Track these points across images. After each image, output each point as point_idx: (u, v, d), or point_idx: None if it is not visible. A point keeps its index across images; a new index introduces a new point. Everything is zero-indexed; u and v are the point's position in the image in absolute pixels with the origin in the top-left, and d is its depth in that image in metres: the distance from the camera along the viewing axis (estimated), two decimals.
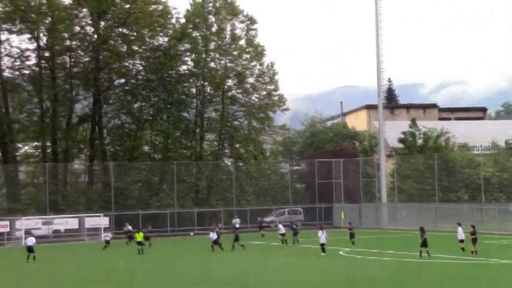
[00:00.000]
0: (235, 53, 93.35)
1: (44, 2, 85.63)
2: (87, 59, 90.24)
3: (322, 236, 50.51)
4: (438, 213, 79.37)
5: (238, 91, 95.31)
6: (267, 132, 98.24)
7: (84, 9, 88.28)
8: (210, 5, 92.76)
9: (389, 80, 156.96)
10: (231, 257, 51.54)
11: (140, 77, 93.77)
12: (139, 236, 55.79)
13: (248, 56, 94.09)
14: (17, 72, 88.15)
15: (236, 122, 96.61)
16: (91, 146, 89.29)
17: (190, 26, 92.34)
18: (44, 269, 47.12)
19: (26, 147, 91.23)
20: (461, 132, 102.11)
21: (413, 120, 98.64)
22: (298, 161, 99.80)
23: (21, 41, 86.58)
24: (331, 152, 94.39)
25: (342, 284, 35.61)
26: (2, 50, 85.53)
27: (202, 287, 36.59)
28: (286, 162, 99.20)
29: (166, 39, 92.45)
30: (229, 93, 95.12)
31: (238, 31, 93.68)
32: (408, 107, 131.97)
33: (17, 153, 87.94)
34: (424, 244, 46.15)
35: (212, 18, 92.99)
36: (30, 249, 50.90)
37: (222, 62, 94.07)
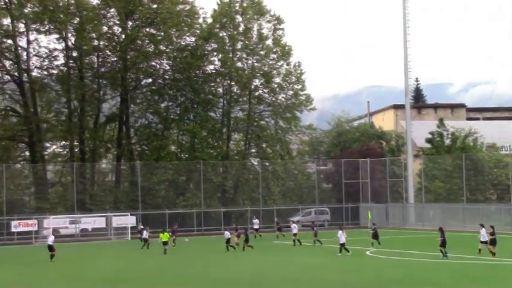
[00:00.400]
0: (262, 52, 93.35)
1: (72, 2, 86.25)
2: (115, 58, 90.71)
3: (341, 236, 50.52)
4: (466, 213, 78.76)
5: (265, 91, 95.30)
6: (294, 132, 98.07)
7: (112, 9, 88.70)
8: (237, 4, 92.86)
9: (417, 80, 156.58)
10: (254, 257, 51.48)
11: (167, 77, 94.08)
12: (165, 237, 55.77)
13: (275, 55, 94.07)
14: (45, 72, 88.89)
15: (263, 122, 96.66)
16: (118, 146, 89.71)
17: (217, 25, 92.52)
18: (69, 268, 47.36)
19: (54, 147, 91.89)
20: (489, 132, 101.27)
21: (441, 120, 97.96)
22: (325, 160, 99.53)
23: (49, 41, 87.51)
24: (358, 152, 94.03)
25: (367, 284, 35.48)
26: (31, 50, 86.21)
27: (228, 286, 36.60)
28: (312, 162, 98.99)
29: (193, 39, 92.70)
30: (256, 93, 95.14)
31: (265, 31, 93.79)
32: (436, 106, 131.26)
33: (45, 153, 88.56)
34: (443, 244, 45.89)
35: (239, 18, 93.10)
36: (50, 248, 51.07)
37: (249, 61, 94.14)
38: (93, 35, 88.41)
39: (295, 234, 61.20)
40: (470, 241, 50.66)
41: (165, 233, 56.48)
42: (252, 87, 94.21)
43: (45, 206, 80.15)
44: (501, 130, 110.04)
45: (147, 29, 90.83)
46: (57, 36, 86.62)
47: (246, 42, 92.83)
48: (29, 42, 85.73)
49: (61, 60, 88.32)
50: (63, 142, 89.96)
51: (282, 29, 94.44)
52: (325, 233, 67.46)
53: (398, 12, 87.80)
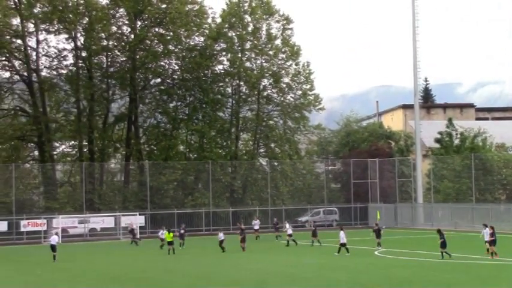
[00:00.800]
0: (271, 52, 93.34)
1: (82, 2, 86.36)
2: (124, 58, 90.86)
3: (343, 236, 50.58)
4: (475, 213, 78.62)
5: (274, 91, 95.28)
6: (302, 132, 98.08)
7: (121, 9, 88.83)
8: (246, 4, 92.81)
9: (426, 80, 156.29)
10: (263, 257, 51.54)
11: (176, 77, 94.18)
12: (169, 237, 55.67)
13: (284, 55, 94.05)
14: (54, 72, 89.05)
15: (271, 122, 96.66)
16: (127, 145, 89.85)
17: (226, 25, 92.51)
18: (78, 267, 47.51)
19: (63, 146, 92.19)
20: (498, 132, 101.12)
21: (449, 120, 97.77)
22: (334, 160, 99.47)
23: (58, 41, 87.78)
24: (367, 152, 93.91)
25: (377, 284, 35.45)
26: (40, 50, 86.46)
27: (239, 286, 36.63)
28: (321, 162, 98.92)
29: (202, 39, 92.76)
30: (265, 93, 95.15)
31: (274, 31, 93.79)
32: (445, 106, 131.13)
33: (54, 152, 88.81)
34: (443, 245, 45.83)
35: (248, 18, 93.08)
36: (53, 248, 51.08)
37: (258, 61, 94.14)
38: (102, 34, 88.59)
39: (289, 235, 61.11)
40: (479, 241, 50.51)
41: (170, 233, 56.31)
42: (261, 87, 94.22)
43: (54, 205, 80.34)
44: (510, 130, 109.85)
45: (156, 29, 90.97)
46: (66, 36, 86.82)
47: (255, 42, 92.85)
48: (38, 42, 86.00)
49: (70, 60, 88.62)
50: (72, 142, 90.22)
51: (291, 28, 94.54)
52: (334, 233, 67.44)
53: (408, 12, 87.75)
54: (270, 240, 67.57)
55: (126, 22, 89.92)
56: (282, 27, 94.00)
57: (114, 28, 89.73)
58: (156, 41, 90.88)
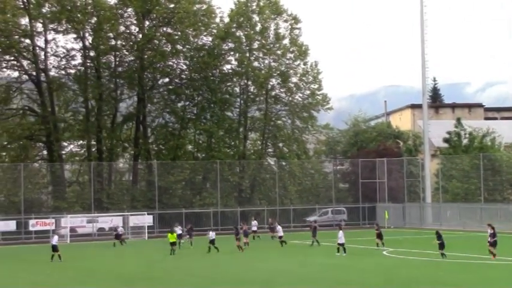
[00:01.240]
0: (279, 52, 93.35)
1: (90, 2, 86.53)
2: (132, 58, 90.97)
3: (341, 236, 50.61)
4: (483, 213, 78.43)
5: (282, 90, 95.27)
6: (311, 132, 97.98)
7: (129, 9, 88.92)
8: (254, 4, 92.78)
9: (434, 79, 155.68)
10: (271, 257, 51.50)
11: (184, 76, 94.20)
12: (172, 237, 55.50)
13: (292, 55, 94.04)
14: (62, 72, 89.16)
15: (279, 122, 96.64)
16: (135, 145, 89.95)
17: (234, 25, 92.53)
18: (86, 266, 47.61)
19: (71, 146, 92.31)
20: (507, 132, 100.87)
21: (458, 120, 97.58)
22: (342, 160, 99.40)
23: (67, 41, 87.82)
24: (375, 152, 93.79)
25: (387, 284, 35.41)
26: (49, 49, 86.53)
27: (248, 286, 36.63)
28: (329, 161, 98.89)
29: (210, 38, 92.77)
30: (273, 93, 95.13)
31: (282, 30, 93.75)
32: (453, 106, 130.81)
33: (63, 152, 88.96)
34: (441, 247, 45.65)
35: (256, 18, 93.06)
36: (54, 248, 51.02)
37: (266, 61, 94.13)
38: (111, 34, 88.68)
39: (280, 237, 60.96)
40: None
41: (173, 234, 56.13)
42: (269, 86, 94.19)
43: (62, 205, 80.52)
44: None
45: (164, 29, 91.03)
46: (74, 35, 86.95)
47: (263, 41, 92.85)
48: (46, 41, 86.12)
49: (78, 59, 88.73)
50: (81, 141, 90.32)
51: (299, 28, 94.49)
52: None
53: (416, 11, 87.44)
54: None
55: (134, 22, 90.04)
56: (290, 26, 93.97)
57: (122, 28, 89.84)
58: (164, 41, 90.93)
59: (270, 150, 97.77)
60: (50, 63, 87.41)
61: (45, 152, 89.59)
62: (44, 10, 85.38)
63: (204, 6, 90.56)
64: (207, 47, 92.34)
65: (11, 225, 76.14)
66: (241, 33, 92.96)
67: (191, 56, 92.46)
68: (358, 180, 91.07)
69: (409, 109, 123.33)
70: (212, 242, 55.48)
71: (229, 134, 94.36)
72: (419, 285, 34.92)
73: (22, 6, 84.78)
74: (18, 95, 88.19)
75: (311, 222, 72.14)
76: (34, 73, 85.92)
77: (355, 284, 35.89)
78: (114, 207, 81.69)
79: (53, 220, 75.84)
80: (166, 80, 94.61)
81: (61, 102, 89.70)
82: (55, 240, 51.91)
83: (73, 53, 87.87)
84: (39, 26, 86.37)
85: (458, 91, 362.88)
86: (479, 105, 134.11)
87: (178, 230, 61.09)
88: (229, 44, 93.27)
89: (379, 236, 55.86)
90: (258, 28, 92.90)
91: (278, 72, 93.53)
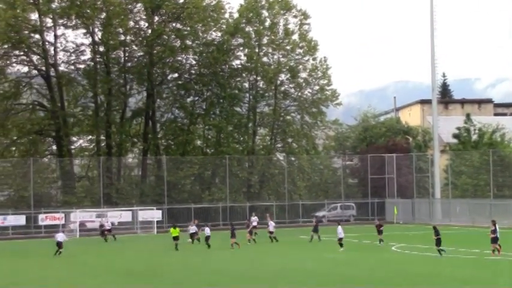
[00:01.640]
0: (288, 47, 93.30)
1: None
2: (141, 53, 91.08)
3: (341, 231, 50.59)
4: (493, 209, 78.16)
5: (291, 86, 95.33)
6: (320, 127, 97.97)
7: (139, 4, 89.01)
8: None
9: (444, 75, 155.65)
10: (280, 252, 51.51)
11: (193, 72, 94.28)
12: (175, 232, 55.42)
13: (301, 50, 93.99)
14: (72, 67, 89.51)
15: (288, 117, 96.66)
16: (144, 140, 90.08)
17: (244, 20, 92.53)
18: (95, 261, 47.71)
19: (81, 141, 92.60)
20: None
21: (467, 116, 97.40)
22: (351, 156, 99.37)
23: (76, 36, 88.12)
24: (384, 147, 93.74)
25: (397, 280, 35.37)
26: (58, 44, 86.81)
27: (256, 281, 36.63)
28: (338, 157, 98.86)
29: (219, 33, 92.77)
30: (282, 88, 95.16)
31: (291, 26, 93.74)
32: (463, 102, 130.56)
33: (72, 147, 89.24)
34: (438, 243, 45.35)
35: (265, 13, 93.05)
36: (59, 244, 51.13)
37: (275, 56, 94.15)
38: (120, 30, 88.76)
39: (271, 232, 60.80)
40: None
41: (176, 228, 56.05)
42: (278, 82, 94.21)
43: (71, 199, 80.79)
44: None
45: (174, 24, 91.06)
46: (84, 31, 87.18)
47: (272, 37, 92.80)
48: (56, 37, 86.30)
49: (88, 55, 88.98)
50: (90, 136, 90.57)
51: (308, 23, 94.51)
52: (350, 228, 67.32)
53: (426, 6, 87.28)
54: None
55: (144, 17, 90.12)
56: (299, 22, 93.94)
57: (131, 23, 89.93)
58: (173, 36, 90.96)
59: (279, 145, 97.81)
60: (60, 58, 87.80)
61: (54, 147, 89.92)
62: (53, 5, 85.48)
63: (214, 2, 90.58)
64: (216, 43, 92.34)
65: (20, 220, 76.54)
66: (251, 29, 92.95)
67: (200, 51, 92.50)
68: (367, 175, 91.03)
69: (418, 105, 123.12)
70: (206, 238, 55.29)
71: (238, 130, 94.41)
72: (428, 281, 34.83)
73: (32, 1, 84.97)
74: (27, 90, 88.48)
75: (316, 217, 71.79)
76: (44, 68, 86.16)
77: (365, 279, 35.81)
78: (123, 202, 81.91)
79: (63, 215, 76.19)
80: (176, 75, 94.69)
81: (70, 97, 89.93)
82: (60, 237, 51.96)
83: (82, 48, 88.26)
84: (48, 21, 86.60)
85: (468, 87, 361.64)
86: (489, 101, 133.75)
87: (192, 229, 60.85)
88: (239, 40, 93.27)
89: (380, 232, 55.40)
90: (267, 24, 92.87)
91: (287, 67, 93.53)
